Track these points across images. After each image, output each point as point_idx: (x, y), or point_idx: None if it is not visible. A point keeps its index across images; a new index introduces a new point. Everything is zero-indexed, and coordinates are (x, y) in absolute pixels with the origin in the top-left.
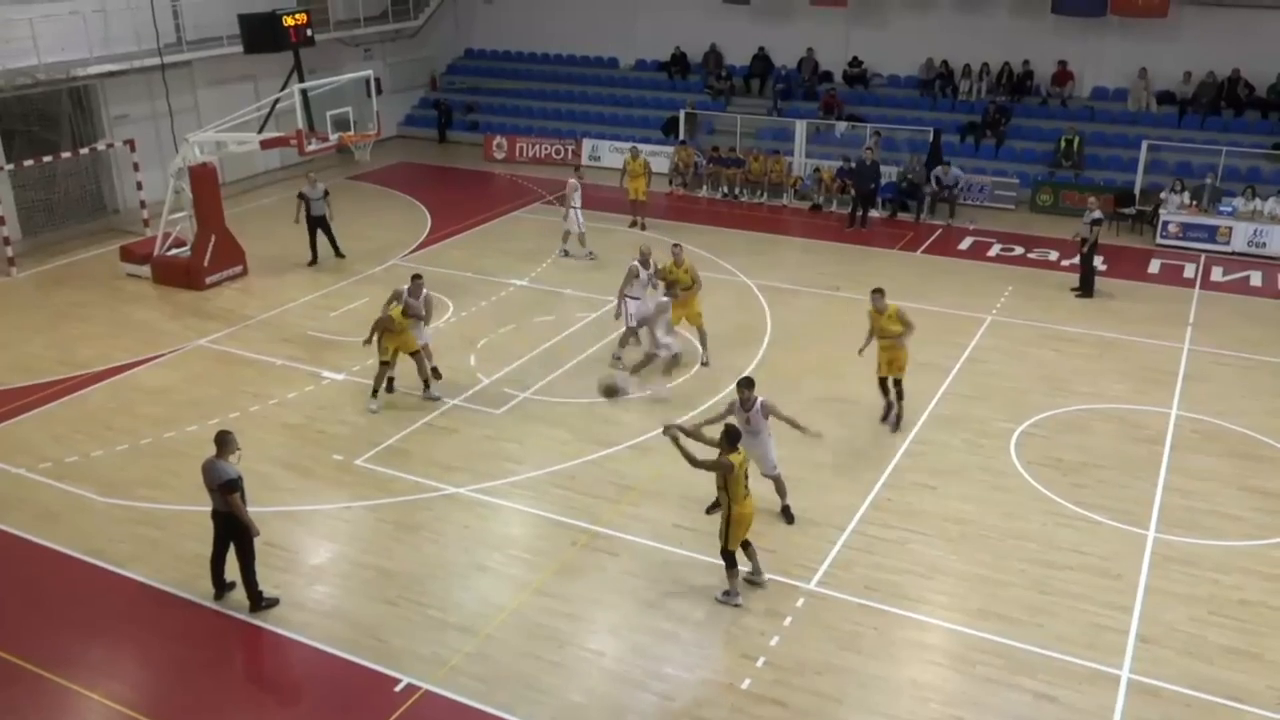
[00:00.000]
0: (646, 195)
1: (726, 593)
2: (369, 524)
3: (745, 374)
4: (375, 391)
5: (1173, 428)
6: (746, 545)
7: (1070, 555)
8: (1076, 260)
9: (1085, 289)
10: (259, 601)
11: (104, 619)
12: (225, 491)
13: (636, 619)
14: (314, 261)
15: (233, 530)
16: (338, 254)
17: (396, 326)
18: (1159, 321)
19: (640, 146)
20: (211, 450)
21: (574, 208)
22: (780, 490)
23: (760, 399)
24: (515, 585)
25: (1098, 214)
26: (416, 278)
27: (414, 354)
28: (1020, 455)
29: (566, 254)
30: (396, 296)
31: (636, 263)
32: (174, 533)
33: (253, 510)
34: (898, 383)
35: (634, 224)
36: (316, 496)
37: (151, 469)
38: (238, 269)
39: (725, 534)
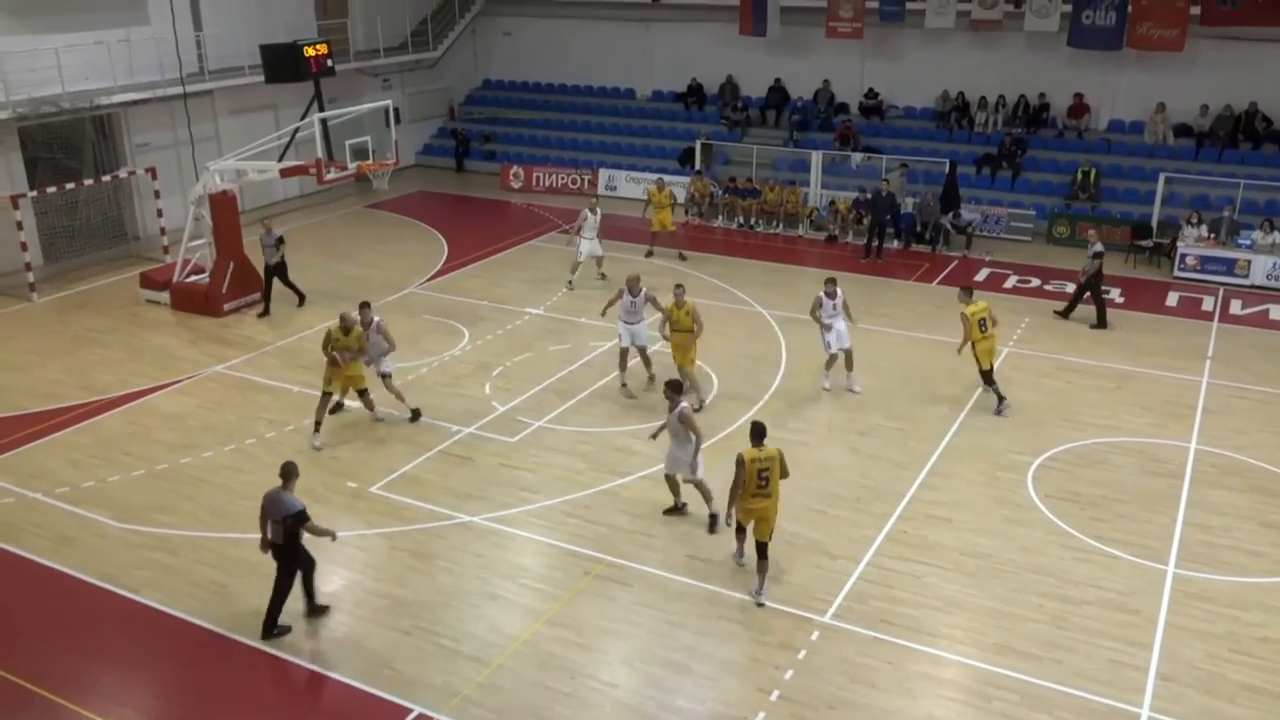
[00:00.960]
0: (674, 226)
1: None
2: (383, 552)
3: (755, 417)
4: (318, 426)
5: (1192, 462)
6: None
7: (1088, 590)
8: (1072, 293)
9: (1100, 320)
10: (273, 629)
11: (117, 644)
12: (297, 523)
13: (649, 650)
14: (265, 313)
15: (285, 559)
16: (299, 301)
17: (342, 356)
18: (1177, 355)
19: (665, 178)
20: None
21: (586, 239)
22: (705, 497)
23: (683, 405)
24: (528, 615)
25: (1099, 247)
26: (364, 306)
27: (361, 392)
28: (1037, 488)
29: (571, 285)
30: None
31: (625, 290)
32: (188, 559)
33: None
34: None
35: (650, 254)
36: (330, 523)
37: (167, 494)
38: (255, 296)
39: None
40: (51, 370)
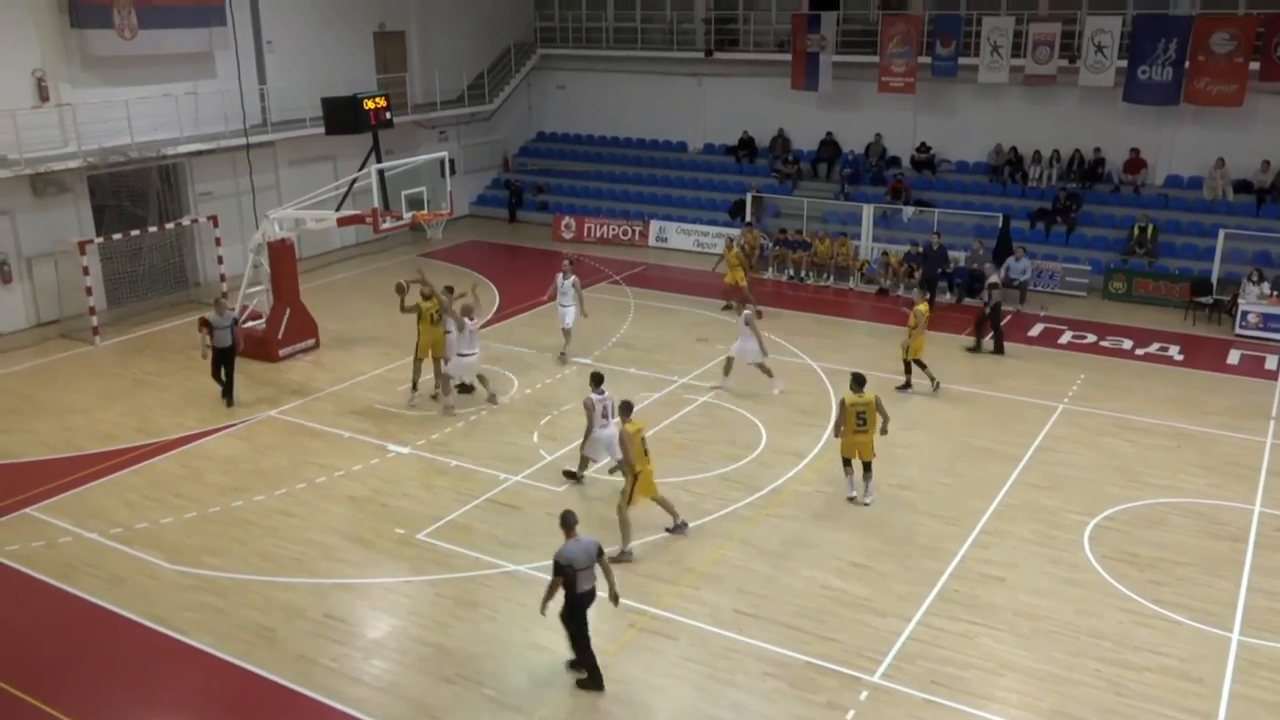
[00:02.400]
0: (746, 281)
1: (622, 552)
2: (428, 599)
3: (803, 471)
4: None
5: (1256, 525)
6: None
7: (1148, 656)
8: (974, 328)
9: (997, 347)
10: (589, 676)
11: (164, 686)
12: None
13: (694, 706)
14: (228, 396)
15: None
16: (228, 401)
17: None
18: (1239, 414)
19: (735, 235)
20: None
21: (563, 306)
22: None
23: (609, 399)
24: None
25: (994, 279)
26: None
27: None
28: (1094, 549)
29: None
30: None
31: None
32: (236, 601)
33: (314, 581)
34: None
35: (728, 307)
36: (377, 569)
37: (218, 537)
38: (310, 342)
39: (629, 494)
40: (112, 413)
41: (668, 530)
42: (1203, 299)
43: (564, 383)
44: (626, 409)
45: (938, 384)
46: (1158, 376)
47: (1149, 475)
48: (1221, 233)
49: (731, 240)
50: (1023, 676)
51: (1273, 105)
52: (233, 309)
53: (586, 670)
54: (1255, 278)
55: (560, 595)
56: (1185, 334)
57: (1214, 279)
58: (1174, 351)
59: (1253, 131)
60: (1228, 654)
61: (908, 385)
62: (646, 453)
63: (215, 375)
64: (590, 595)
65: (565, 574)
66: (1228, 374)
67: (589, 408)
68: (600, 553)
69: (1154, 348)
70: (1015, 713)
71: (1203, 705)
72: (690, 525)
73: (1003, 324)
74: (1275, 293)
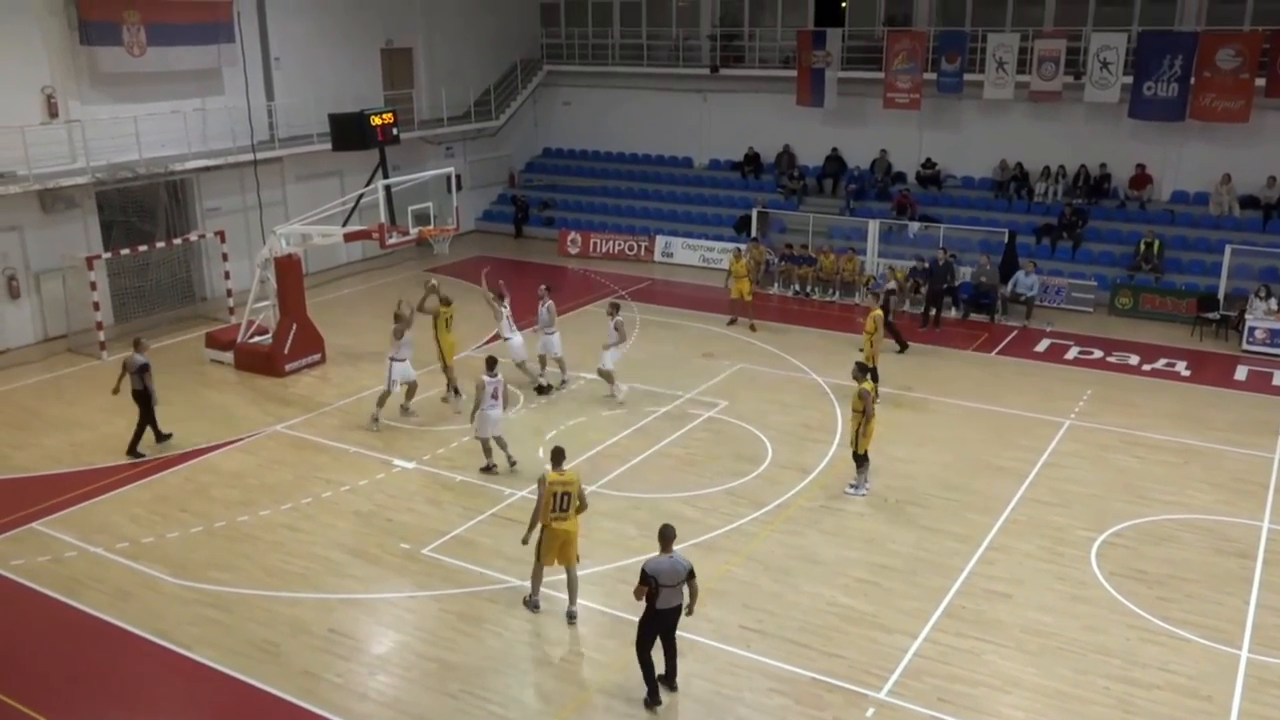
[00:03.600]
0: (751, 295)
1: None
2: (433, 614)
3: (810, 486)
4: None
5: (1264, 541)
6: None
7: (1156, 674)
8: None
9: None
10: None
11: (166, 700)
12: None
13: None
14: (161, 436)
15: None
16: (155, 438)
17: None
18: (1247, 430)
19: (741, 247)
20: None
21: (505, 337)
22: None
23: (500, 381)
24: (577, 684)
25: (890, 285)
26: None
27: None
28: (1102, 565)
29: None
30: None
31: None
32: (241, 616)
33: (319, 596)
34: None
35: (732, 322)
36: (383, 585)
37: (223, 552)
38: (316, 357)
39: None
40: (119, 427)
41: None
42: (1209, 315)
43: (569, 397)
44: (557, 457)
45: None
46: (1164, 392)
47: (1156, 491)
48: (1228, 248)
49: (741, 250)
50: (1030, 694)
51: (1279, 121)
52: (145, 356)
53: (646, 684)
54: (1262, 293)
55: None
56: (1192, 350)
57: (1220, 295)
58: (1181, 367)
59: (1259, 147)
60: (1237, 672)
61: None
62: (566, 510)
63: (149, 419)
64: (671, 614)
65: (649, 584)
66: (1235, 390)
67: (479, 388)
68: (691, 575)
69: (1160, 363)
70: None
71: None
72: (695, 541)
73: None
74: None
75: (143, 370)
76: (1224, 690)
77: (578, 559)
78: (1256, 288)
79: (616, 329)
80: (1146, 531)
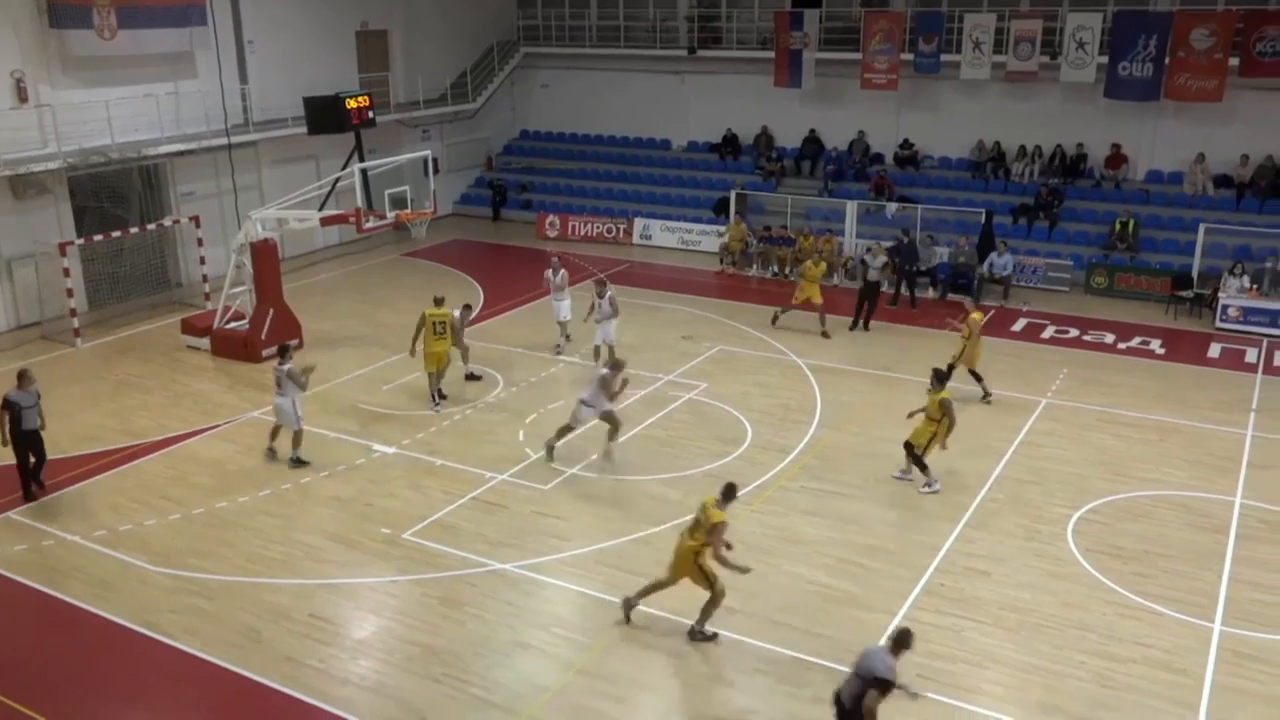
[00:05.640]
0: (821, 299)
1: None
2: (414, 599)
3: (791, 467)
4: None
5: (1238, 517)
6: None
7: (1133, 648)
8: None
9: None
10: None
11: (149, 689)
12: (877, 688)
13: (683, 702)
14: (36, 484)
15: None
16: (37, 485)
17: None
18: (1221, 407)
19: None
20: None
21: (558, 301)
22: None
23: (287, 368)
24: (560, 665)
25: (882, 260)
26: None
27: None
28: (1078, 542)
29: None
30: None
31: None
32: (224, 604)
33: (299, 582)
34: None
35: (776, 319)
36: (363, 570)
37: (203, 539)
38: (294, 342)
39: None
40: (94, 415)
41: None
42: (1184, 293)
43: (549, 381)
44: (729, 494)
45: (988, 395)
46: (1140, 370)
47: (1132, 469)
48: (1202, 227)
49: (819, 258)
50: (1009, 669)
51: (1252, 101)
52: (36, 386)
53: None
54: (1236, 271)
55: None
56: (1167, 328)
57: (1195, 273)
58: (1156, 345)
59: (1232, 126)
60: (1211, 645)
61: (986, 396)
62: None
63: (21, 464)
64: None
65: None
66: (1209, 367)
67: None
68: (883, 682)
69: (1136, 342)
70: (1002, 705)
71: (1187, 696)
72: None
73: (877, 302)
74: (1255, 286)
75: (38, 401)
76: (1198, 664)
77: (711, 581)
78: (1230, 266)
79: (610, 303)
80: (1122, 508)
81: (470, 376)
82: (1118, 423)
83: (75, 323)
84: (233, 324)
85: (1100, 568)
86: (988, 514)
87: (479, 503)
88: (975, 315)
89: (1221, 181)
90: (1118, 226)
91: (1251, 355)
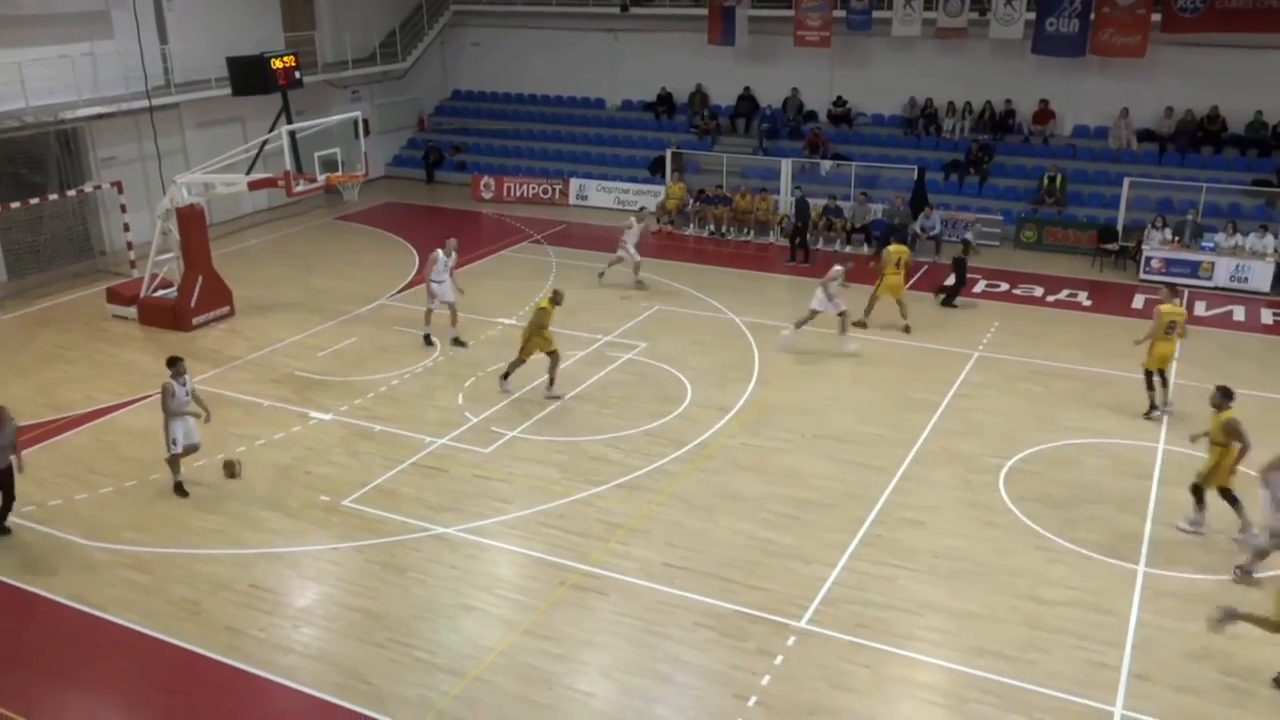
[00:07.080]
0: (904, 292)
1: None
2: (356, 565)
3: (730, 423)
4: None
5: (1160, 462)
6: None
7: (1062, 591)
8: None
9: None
10: None
11: (89, 666)
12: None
13: (627, 659)
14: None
15: None
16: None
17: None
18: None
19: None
20: None
21: (626, 245)
22: None
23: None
24: (504, 626)
25: (968, 235)
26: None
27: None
28: (1009, 491)
29: (602, 275)
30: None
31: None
32: (161, 576)
33: (239, 552)
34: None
35: (856, 319)
36: (303, 538)
37: (136, 512)
38: (224, 310)
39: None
40: (16, 388)
41: None
42: (1109, 246)
43: (487, 345)
44: (1227, 394)
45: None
46: (1067, 322)
47: (1061, 418)
48: (1126, 181)
49: (901, 247)
50: (943, 616)
51: (1175, 56)
52: (13, 420)
53: None
54: (1158, 224)
55: None
56: (1093, 280)
57: (1119, 226)
58: (1082, 298)
59: (1155, 81)
60: (1135, 586)
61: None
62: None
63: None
64: None
65: None
66: (1133, 318)
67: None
68: None
69: (1063, 294)
70: (937, 651)
71: (1113, 635)
72: (618, 482)
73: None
74: (1176, 238)
75: (14, 442)
76: (1123, 604)
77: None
78: (1153, 218)
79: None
80: (1051, 457)
81: (456, 342)
82: (1047, 374)
83: None
84: (160, 292)
85: (1031, 515)
86: (922, 465)
87: (419, 468)
88: (1164, 307)
89: (1145, 135)
90: (1045, 181)
91: None
